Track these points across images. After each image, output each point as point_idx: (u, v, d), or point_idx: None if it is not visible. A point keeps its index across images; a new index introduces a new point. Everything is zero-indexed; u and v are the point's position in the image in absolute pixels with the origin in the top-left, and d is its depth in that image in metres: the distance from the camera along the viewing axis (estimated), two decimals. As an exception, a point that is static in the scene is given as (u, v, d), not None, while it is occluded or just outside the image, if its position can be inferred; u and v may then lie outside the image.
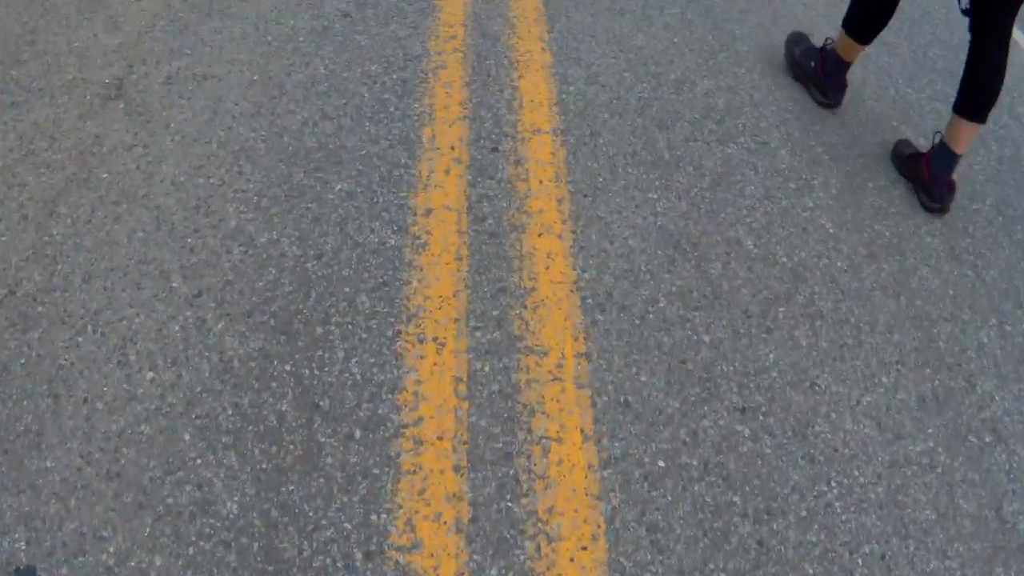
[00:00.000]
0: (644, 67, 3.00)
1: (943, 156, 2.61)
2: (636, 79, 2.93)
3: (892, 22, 2.88)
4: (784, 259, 2.43)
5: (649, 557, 1.72)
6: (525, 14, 3.16)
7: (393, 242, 2.27)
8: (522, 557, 1.69)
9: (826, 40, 2.97)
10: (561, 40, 3.05)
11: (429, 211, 2.36)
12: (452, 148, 2.54)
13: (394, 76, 2.78)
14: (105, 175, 2.37)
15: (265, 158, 2.46)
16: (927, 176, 2.65)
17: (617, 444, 1.90)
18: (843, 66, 2.88)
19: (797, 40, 3.09)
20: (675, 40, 3.17)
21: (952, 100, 2.64)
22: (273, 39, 2.90)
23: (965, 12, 2.50)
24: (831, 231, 2.54)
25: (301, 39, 2.90)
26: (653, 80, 2.94)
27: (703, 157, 2.69)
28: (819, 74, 2.93)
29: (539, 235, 2.35)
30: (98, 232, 2.20)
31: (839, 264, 2.45)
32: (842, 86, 2.92)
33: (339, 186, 2.41)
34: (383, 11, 3.08)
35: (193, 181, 2.37)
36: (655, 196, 2.53)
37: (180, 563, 1.62)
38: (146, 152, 2.44)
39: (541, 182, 2.49)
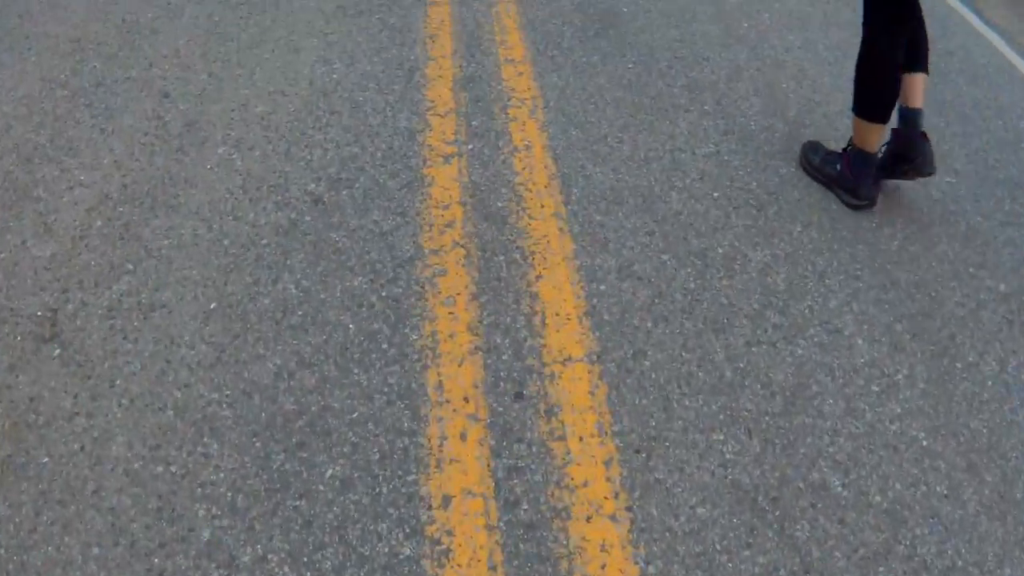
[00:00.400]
0: (685, 242, 2.48)
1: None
2: (678, 263, 2.41)
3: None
4: (878, 497, 1.91)
5: None
6: (534, 178, 2.65)
7: (407, 552, 1.74)
8: None
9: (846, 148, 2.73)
10: (582, 214, 2.54)
11: (447, 500, 1.83)
12: (466, 400, 2.01)
13: (383, 293, 2.25)
14: (46, 459, 1.84)
15: (234, 431, 1.93)
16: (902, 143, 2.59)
17: None
18: (870, 159, 2.63)
19: (814, 148, 2.82)
20: (715, 195, 2.66)
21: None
22: (231, 243, 2.37)
23: None
24: (924, 443, 2.03)
25: (264, 242, 2.38)
26: (698, 261, 2.42)
27: (770, 368, 2.17)
28: (847, 174, 2.66)
29: (588, 519, 1.83)
30: (46, 546, 1.68)
31: (938, 489, 1.94)
32: (875, 181, 2.66)
33: (330, 471, 1.87)
34: (361, 191, 2.56)
35: (150, 470, 1.84)
36: (721, 437, 2.00)
37: None
38: (90, 424, 1.92)
39: (582, 439, 1.96)
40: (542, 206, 2.56)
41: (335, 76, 3.03)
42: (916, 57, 2.58)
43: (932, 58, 2.73)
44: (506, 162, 2.69)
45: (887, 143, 2.64)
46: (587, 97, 3.02)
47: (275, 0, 3.54)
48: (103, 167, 2.63)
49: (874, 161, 2.63)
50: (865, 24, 2.54)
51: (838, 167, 2.69)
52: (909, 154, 2.57)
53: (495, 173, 2.65)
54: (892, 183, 2.76)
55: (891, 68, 2.51)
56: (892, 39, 2.48)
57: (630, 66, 3.23)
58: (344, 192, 2.55)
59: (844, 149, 2.70)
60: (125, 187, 2.56)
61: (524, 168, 2.68)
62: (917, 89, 2.58)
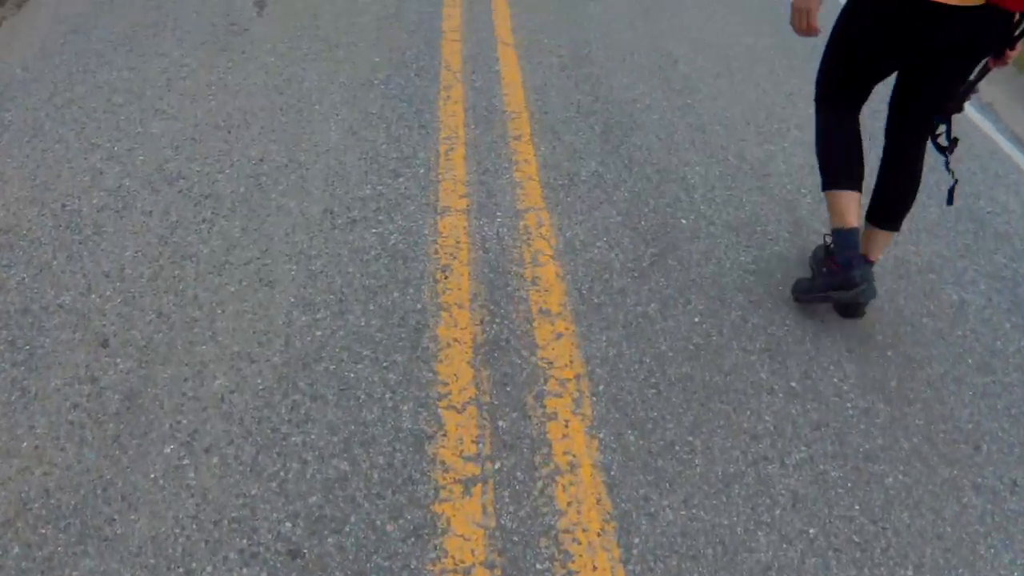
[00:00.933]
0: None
1: (843, 239, 2.46)
2: None
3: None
4: None
5: None
6: (583, 521, 1.94)
7: None
8: None
9: (824, 237, 2.73)
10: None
11: None
12: None
13: None
14: None
15: None
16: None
17: None
18: (851, 235, 2.44)
19: (799, 283, 2.68)
20: (811, 532, 1.98)
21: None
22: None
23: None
24: None
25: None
26: None
27: None
28: (832, 268, 2.50)
29: None
30: None
31: None
32: (862, 261, 2.46)
33: None
34: (352, 541, 1.84)
35: None
36: None
37: None
38: None
39: None
40: (594, 568, 1.86)
41: (319, 334, 2.33)
42: (885, 213, 2.53)
43: None
44: (545, 491, 1.99)
45: (826, 267, 2.56)
46: (645, 375, 2.34)
47: (245, 197, 2.85)
48: (21, 454, 1.94)
49: (856, 238, 2.45)
50: (815, 102, 2.56)
51: (824, 269, 2.58)
52: (846, 286, 2.44)
53: (532, 512, 1.95)
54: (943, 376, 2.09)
55: (836, 135, 2.49)
56: (836, 114, 2.49)
57: (696, 319, 2.56)
58: (330, 540, 1.84)
59: (826, 248, 2.65)
60: (47, 493, 1.86)
61: (570, 503, 1.98)
62: (876, 244, 2.55)
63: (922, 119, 2.40)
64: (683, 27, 4.66)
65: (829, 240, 2.59)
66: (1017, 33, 2.19)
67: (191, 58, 3.70)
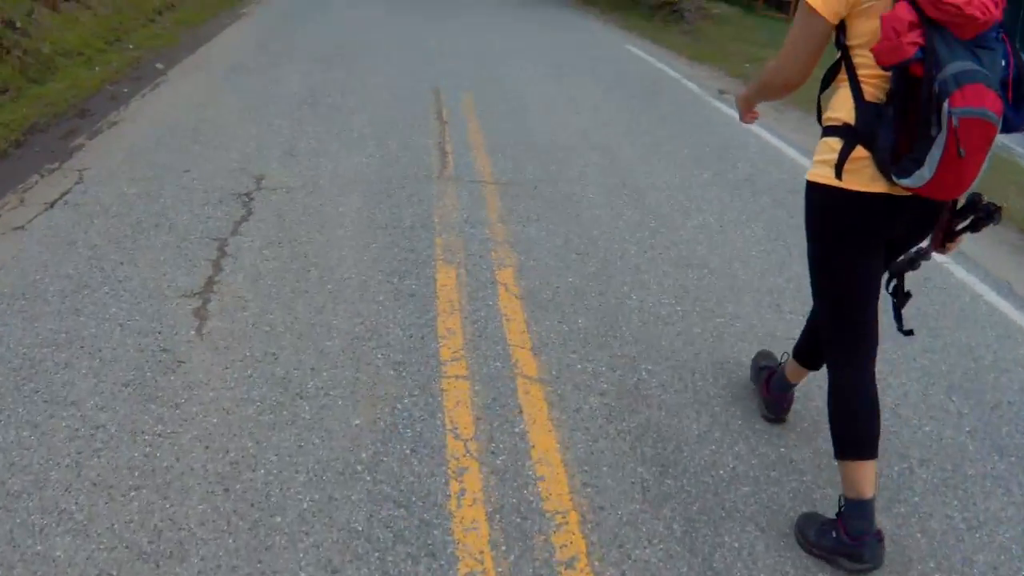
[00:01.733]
0: None
1: (857, 511, 2.34)
2: None
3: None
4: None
5: None
6: None
7: None
8: None
9: (782, 355, 2.92)
10: None
11: None
12: None
13: None
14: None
15: None
16: None
17: None
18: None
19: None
20: None
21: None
22: None
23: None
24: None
25: None
26: None
27: None
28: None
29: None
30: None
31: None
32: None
33: None
34: None
35: None
36: None
37: None
38: None
39: None
40: None
41: None
42: (869, 443, 2.37)
43: None
44: None
45: (835, 531, 2.39)
46: None
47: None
48: None
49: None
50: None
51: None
52: (854, 558, 2.36)
53: None
54: None
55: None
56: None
57: None
58: None
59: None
60: None
61: None
62: (866, 476, 2.35)
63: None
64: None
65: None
66: (959, 229, 2.21)
67: (108, 413, 2.72)
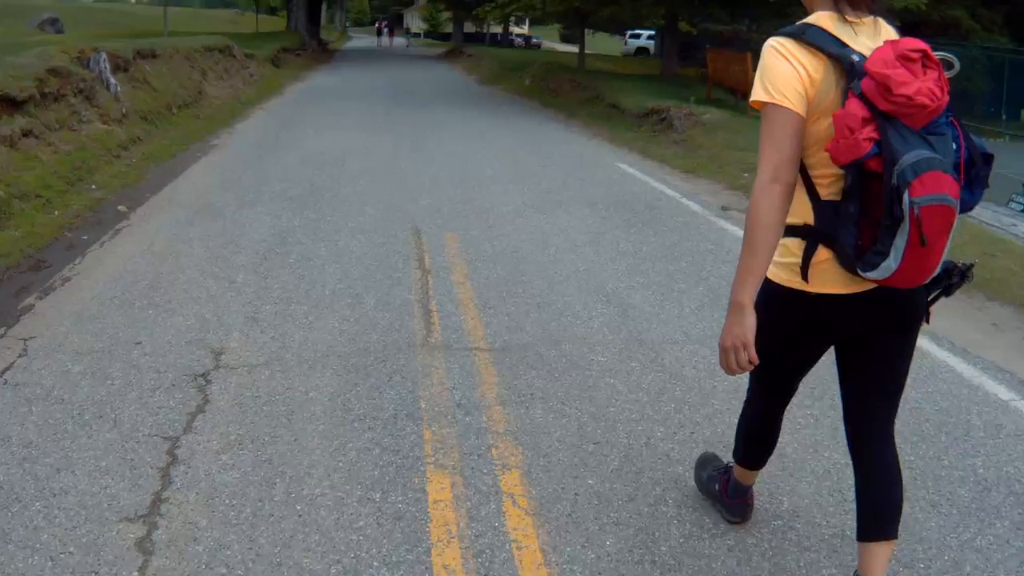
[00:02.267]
0: None
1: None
2: None
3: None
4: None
5: None
6: None
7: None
8: None
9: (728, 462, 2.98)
10: None
11: None
12: None
13: None
14: None
15: None
16: None
17: None
18: (744, 488, 2.87)
19: (704, 463, 3.13)
20: None
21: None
22: None
23: None
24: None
25: None
26: None
27: None
28: (723, 497, 2.94)
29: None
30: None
31: None
32: (746, 506, 2.92)
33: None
34: None
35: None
36: None
37: None
38: None
39: None
40: None
41: None
42: (877, 517, 2.35)
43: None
44: None
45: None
46: None
47: None
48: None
49: (747, 490, 2.89)
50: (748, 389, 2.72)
51: (717, 487, 2.96)
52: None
53: None
54: None
55: (756, 427, 2.71)
56: (765, 408, 2.65)
57: None
58: None
59: (727, 468, 2.93)
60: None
61: None
62: (879, 560, 2.30)
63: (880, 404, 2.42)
64: None
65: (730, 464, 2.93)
66: (931, 298, 2.24)
67: None
